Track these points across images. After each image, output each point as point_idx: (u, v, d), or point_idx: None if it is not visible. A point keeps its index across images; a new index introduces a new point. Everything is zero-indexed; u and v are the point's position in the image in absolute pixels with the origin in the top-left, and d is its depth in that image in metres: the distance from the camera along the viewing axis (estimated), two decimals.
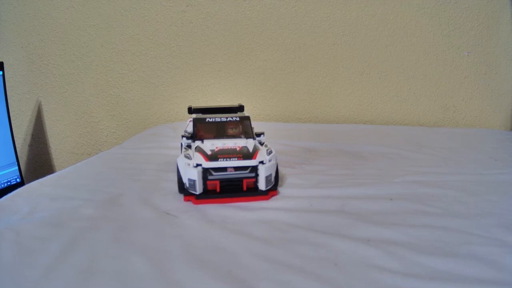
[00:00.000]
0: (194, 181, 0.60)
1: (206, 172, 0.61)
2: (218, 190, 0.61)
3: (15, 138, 1.22)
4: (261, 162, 0.62)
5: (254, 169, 0.62)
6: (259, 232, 0.52)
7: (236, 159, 0.61)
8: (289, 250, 0.47)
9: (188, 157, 0.62)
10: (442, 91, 1.33)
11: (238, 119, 0.70)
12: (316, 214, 0.57)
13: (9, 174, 1.19)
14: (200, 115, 0.71)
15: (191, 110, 0.76)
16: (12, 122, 1.21)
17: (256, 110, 1.35)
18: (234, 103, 0.88)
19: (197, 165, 0.60)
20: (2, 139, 1.18)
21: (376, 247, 0.47)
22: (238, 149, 0.63)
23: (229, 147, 0.63)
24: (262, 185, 0.62)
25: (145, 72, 1.34)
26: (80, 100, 1.36)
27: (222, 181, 0.61)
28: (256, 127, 0.73)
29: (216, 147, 0.63)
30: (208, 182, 0.61)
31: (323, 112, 1.36)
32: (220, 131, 0.69)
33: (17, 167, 1.21)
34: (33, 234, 0.50)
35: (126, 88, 1.35)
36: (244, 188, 0.62)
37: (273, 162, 0.63)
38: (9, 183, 1.19)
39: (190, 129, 0.71)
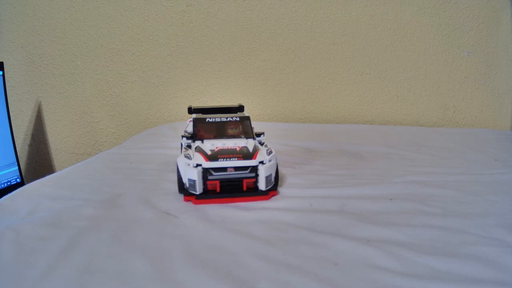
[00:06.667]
0: (194, 181, 0.60)
1: (206, 172, 0.61)
2: (218, 190, 0.61)
3: (15, 138, 1.22)
4: (261, 162, 0.62)
5: (254, 169, 0.62)
6: (259, 232, 0.52)
7: (236, 159, 0.61)
8: (289, 250, 0.47)
9: (188, 157, 0.62)
10: (442, 91, 1.33)
11: (238, 119, 0.70)
12: (316, 214, 0.57)
13: (9, 174, 1.19)
14: (200, 115, 0.71)
15: (191, 110, 0.76)
16: (12, 122, 1.21)
17: (256, 110, 1.35)
18: (234, 103, 0.88)
19: (197, 165, 0.60)
20: (2, 139, 1.18)
21: (376, 247, 0.47)
22: (238, 149, 0.63)
23: (229, 147, 0.63)
24: (262, 185, 0.62)
25: (145, 72, 1.34)
26: (80, 100, 1.36)
27: (222, 181, 0.61)
28: (256, 127, 0.73)
29: (216, 147, 0.63)
30: (208, 182, 0.61)
31: (323, 112, 1.36)
32: (220, 131, 0.69)
33: (17, 167, 1.21)
34: (33, 234, 0.50)
35: (126, 88, 1.35)
36: (244, 188, 0.62)
37: (273, 162, 0.63)
38: (9, 183, 1.19)
39: (190, 129, 0.71)
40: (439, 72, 1.32)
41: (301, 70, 1.33)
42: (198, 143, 0.66)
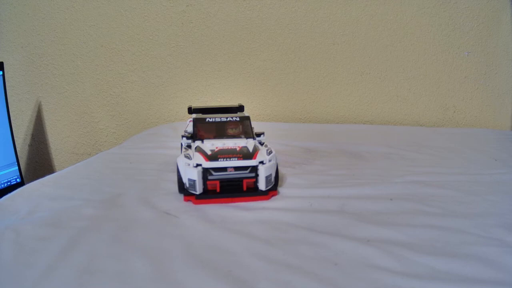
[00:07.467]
0: (194, 181, 0.60)
1: (206, 172, 0.61)
2: (218, 190, 0.61)
3: (15, 138, 1.22)
4: (261, 162, 0.62)
5: (254, 169, 0.62)
6: (259, 232, 0.52)
7: (236, 159, 0.61)
8: (289, 250, 0.47)
9: (188, 157, 0.62)
10: (442, 91, 1.33)
11: (238, 119, 0.70)
12: (316, 214, 0.57)
13: (9, 174, 1.19)
14: (200, 115, 0.71)
15: (191, 110, 0.76)
16: (12, 122, 1.21)
17: (256, 110, 1.35)
18: (234, 103, 0.88)
19: (197, 165, 0.60)
20: (2, 139, 1.18)
21: (376, 247, 0.47)
22: (238, 149, 0.63)
23: (229, 147, 0.63)
24: (262, 185, 0.62)
25: (145, 72, 1.34)
26: (80, 100, 1.36)
27: (222, 181, 0.61)
28: (256, 127, 0.73)
29: (216, 147, 0.63)
30: (208, 182, 0.61)
31: (323, 112, 1.36)
32: (220, 131, 0.69)
33: (17, 167, 1.21)
34: (33, 234, 0.50)
35: (126, 88, 1.35)
36: (244, 188, 0.62)
37: (273, 162, 0.63)
38: (9, 183, 1.19)
39: (190, 129, 0.71)
40: (439, 72, 1.32)
41: (301, 70, 1.33)
42: (198, 143, 0.66)
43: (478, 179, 0.73)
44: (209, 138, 0.67)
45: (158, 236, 0.51)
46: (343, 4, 1.27)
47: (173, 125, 1.23)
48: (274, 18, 1.29)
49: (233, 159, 0.61)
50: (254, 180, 0.62)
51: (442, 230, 0.52)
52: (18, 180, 1.22)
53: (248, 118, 0.71)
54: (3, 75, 1.18)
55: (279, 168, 0.67)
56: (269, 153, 0.64)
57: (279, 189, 0.67)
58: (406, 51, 1.30)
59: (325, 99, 1.35)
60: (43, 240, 0.49)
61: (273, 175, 0.64)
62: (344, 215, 0.57)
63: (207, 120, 0.69)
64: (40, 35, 1.31)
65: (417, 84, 1.33)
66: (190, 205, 0.60)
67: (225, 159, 0.61)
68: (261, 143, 0.69)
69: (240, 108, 0.77)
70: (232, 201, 0.61)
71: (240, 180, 0.62)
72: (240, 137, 0.68)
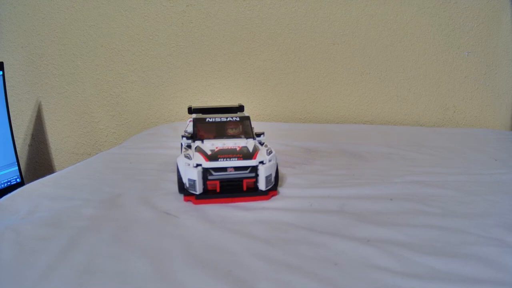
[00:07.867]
0: (194, 181, 0.60)
1: (206, 172, 0.61)
2: (218, 190, 0.61)
3: (15, 138, 1.22)
4: (261, 162, 0.62)
5: (254, 169, 0.62)
6: (259, 232, 0.52)
7: (236, 159, 0.61)
8: (289, 250, 0.47)
9: (188, 157, 0.62)
10: (442, 91, 1.33)
11: (238, 119, 0.70)
12: (316, 214, 0.57)
13: (9, 174, 1.19)
14: (200, 115, 0.71)
15: (191, 110, 0.76)
16: (12, 122, 1.21)
17: (256, 110, 1.35)
18: (234, 103, 0.88)
19: (197, 165, 0.60)
20: (2, 139, 1.18)
21: (376, 247, 0.47)
22: (238, 149, 0.63)
23: (229, 147, 0.63)
24: (262, 185, 0.62)
25: (145, 72, 1.34)
26: (80, 100, 1.36)
27: (222, 181, 0.61)
28: (256, 127, 0.73)
29: (216, 147, 0.63)
30: (208, 182, 0.61)
31: (323, 112, 1.36)
32: (220, 131, 0.69)
33: (17, 167, 1.21)
34: (33, 234, 0.50)
35: (126, 88, 1.35)
36: (244, 188, 0.62)
37: (273, 162, 0.63)
38: (9, 183, 1.19)
39: (190, 129, 0.71)
40: (439, 72, 1.32)
41: (301, 70, 1.33)
42: (198, 143, 0.66)
43: (478, 179, 0.73)
44: (209, 138, 0.67)
45: (158, 236, 0.51)
46: (343, 4, 1.27)
47: (173, 125, 1.23)
48: (274, 18, 1.29)
49: (233, 159, 0.61)
50: (254, 180, 0.62)
51: (442, 230, 0.52)
52: (18, 180, 1.22)
53: (248, 118, 0.71)
54: (3, 75, 1.18)
55: (279, 168, 0.67)
56: (269, 153, 0.64)
57: (279, 189, 0.67)
58: (406, 51, 1.30)
59: (325, 99, 1.35)
60: (43, 240, 0.49)
61: (273, 175, 0.64)
62: (344, 215, 0.57)
63: (207, 120, 0.69)
64: (40, 35, 1.31)
65: (417, 84, 1.33)
66: (190, 205, 0.60)
67: (225, 159, 0.61)
68: (261, 143, 0.69)
69: (240, 108, 0.77)
70: (232, 201, 0.61)
71: (240, 180, 0.62)
72: (240, 137, 0.68)
